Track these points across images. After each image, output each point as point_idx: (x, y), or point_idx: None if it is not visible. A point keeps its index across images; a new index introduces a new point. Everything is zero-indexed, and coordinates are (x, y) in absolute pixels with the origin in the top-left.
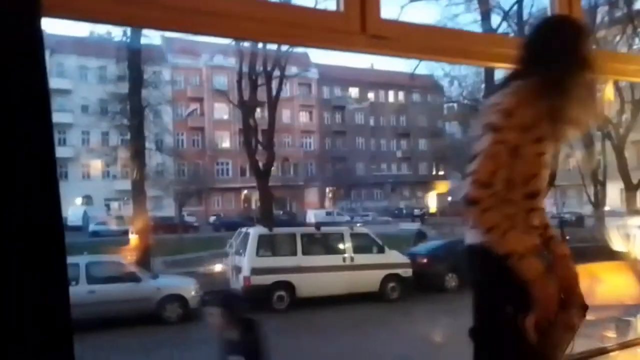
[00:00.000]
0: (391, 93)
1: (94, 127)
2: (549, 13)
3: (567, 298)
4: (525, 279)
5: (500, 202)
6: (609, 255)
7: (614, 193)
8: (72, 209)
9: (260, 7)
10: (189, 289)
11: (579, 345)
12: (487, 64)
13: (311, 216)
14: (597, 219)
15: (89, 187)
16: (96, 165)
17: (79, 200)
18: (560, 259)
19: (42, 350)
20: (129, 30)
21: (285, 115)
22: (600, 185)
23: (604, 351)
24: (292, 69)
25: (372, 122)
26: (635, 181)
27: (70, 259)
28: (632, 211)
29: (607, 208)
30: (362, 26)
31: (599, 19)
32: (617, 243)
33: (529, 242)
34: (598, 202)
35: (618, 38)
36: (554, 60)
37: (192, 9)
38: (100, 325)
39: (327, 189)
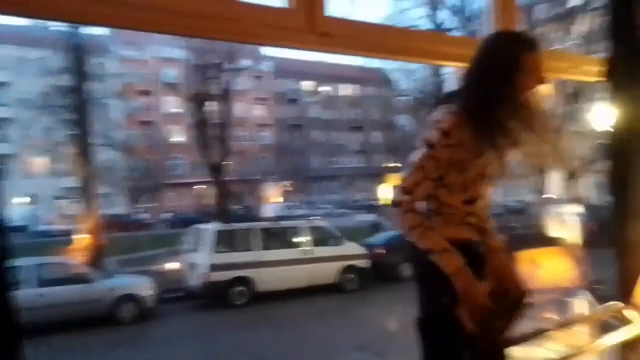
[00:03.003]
0: (345, 86)
1: (35, 122)
2: (485, 12)
3: (503, 287)
4: (447, 273)
5: (437, 206)
6: (548, 241)
7: (557, 181)
8: (16, 209)
9: (207, 4)
10: (144, 287)
11: (522, 326)
12: (433, 62)
13: (269, 210)
14: (539, 206)
15: (33, 186)
16: (40, 163)
17: (22, 199)
18: (493, 251)
19: None
20: None
21: (239, 108)
22: (541, 174)
23: (544, 331)
24: (245, 62)
25: (326, 115)
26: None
27: (16, 261)
28: (571, 199)
29: (550, 196)
30: (310, 24)
31: (537, 15)
32: (554, 229)
33: (443, 243)
34: (540, 190)
35: (553, 35)
36: (483, 85)
37: (138, 5)
38: (52, 329)
39: (284, 183)
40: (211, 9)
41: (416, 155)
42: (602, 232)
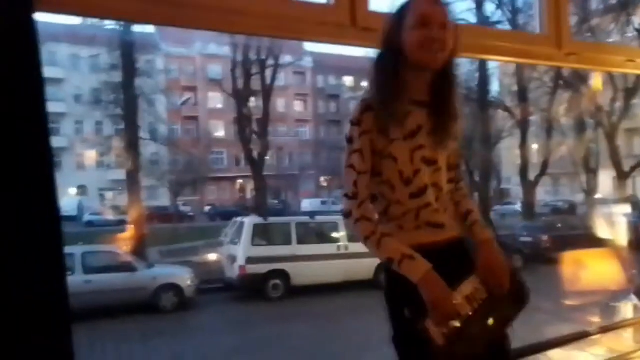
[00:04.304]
0: None
1: (87, 117)
2: (535, 4)
3: (493, 286)
4: (412, 282)
5: (383, 208)
6: (596, 242)
7: (606, 181)
8: (67, 199)
9: (252, 1)
10: (185, 278)
11: (563, 329)
12: (477, 57)
13: (306, 205)
14: (588, 207)
15: (83, 177)
16: (90, 155)
17: (73, 191)
18: (483, 244)
19: (42, 340)
20: None
21: (279, 104)
22: (592, 173)
23: (587, 335)
24: (286, 58)
25: None
26: (626, 169)
27: (66, 249)
28: (621, 199)
29: (599, 196)
30: (352, 19)
31: (594, 6)
32: (603, 231)
33: (402, 249)
34: (589, 190)
35: (612, 26)
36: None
37: (184, 3)
38: (97, 315)
39: (322, 178)
40: (256, 6)
41: (343, 159)
42: None
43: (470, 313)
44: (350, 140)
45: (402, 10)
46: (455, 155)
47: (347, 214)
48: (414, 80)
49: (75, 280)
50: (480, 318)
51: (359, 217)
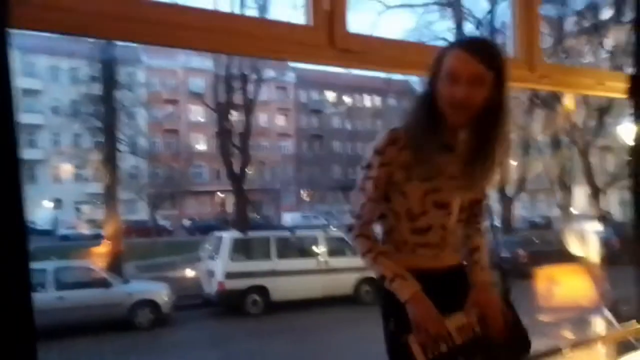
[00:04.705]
0: (368, 97)
1: (65, 129)
2: (508, 25)
3: (485, 328)
4: (400, 300)
5: (388, 229)
6: (569, 258)
7: (581, 197)
8: (42, 212)
9: (232, 21)
10: (161, 294)
11: (537, 344)
12: None
13: (287, 219)
14: (563, 223)
15: (59, 190)
16: (67, 168)
17: (48, 204)
18: (477, 285)
19: (4, 357)
20: None
21: (262, 118)
22: (567, 189)
23: (558, 350)
24: (269, 73)
25: (348, 126)
26: (601, 185)
27: (38, 264)
28: (595, 215)
29: (574, 212)
30: (330, 40)
31: (569, 28)
32: (576, 246)
33: (396, 269)
34: (564, 206)
35: (586, 48)
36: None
37: (166, 22)
38: (70, 332)
39: (304, 193)
40: (237, 26)
41: (357, 180)
42: (625, 250)
43: (459, 343)
44: (368, 166)
45: (442, 54)
46: (480, 193)
47: (349, 229)
48: (446, 126)
49: (47, 296)
50: (468, 351)
51: (358, 234)
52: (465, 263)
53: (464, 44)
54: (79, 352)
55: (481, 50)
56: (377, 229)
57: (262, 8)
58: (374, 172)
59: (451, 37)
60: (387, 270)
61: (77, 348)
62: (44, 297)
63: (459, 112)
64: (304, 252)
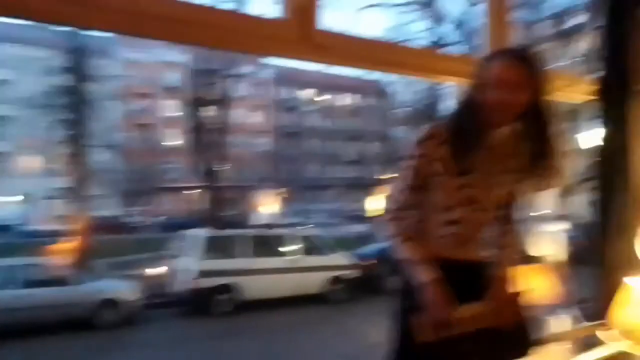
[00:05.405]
0: (344, 96)
1: (35, 121)
2: (482, 28)
3: (497, 321)
4: (416, 284)
5: (417, 217)
6: (531, 259)
7: (550, 198)
8: (8, 207)
9: (204, 13)
10: (127, 292)
11: None
12: (426, 77)
13: (261, 217)
14: (531, 223)
15: (25, 185)
16: (34, 162)
17: (14, 199)
18: (494, 280)
19: None
20: None
21: (237, 114)
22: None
23: None
24: (247, 68)
25: (324, 124)
26: (568, 186)
27: (0, 262)
28: (563, 215)
29: (544, 211)
30: (304, 35)
31: (545, 32)
32: (539, 247)
33: (419, 255)
34: (533, 207)
35: (554, 53)
36: (460, 101)
37: (139, 12)
38: (33, 332)
39: (279, 191)
40: (208, 18)
41: (400, 167)
42: (590, 250)
43: (470, 330)
44: (410, 155)
45: (486, 63)
46: (514, 194)
47: (385, 212)
48: (485, 126)
49: (9, 294)
50: (476, 339)
51: (391, 217)
52: (491, 259)
53: (508, 52)
54: (41, 352)
55: (523, 58)
56: (411, 215)
57: (239, 1)
58: (416, 162)
59: (428, 37)
60: (411, 254)
61: (40, 348)
62: (5, 295)
63: (503, 115)
64: (277, 250)
